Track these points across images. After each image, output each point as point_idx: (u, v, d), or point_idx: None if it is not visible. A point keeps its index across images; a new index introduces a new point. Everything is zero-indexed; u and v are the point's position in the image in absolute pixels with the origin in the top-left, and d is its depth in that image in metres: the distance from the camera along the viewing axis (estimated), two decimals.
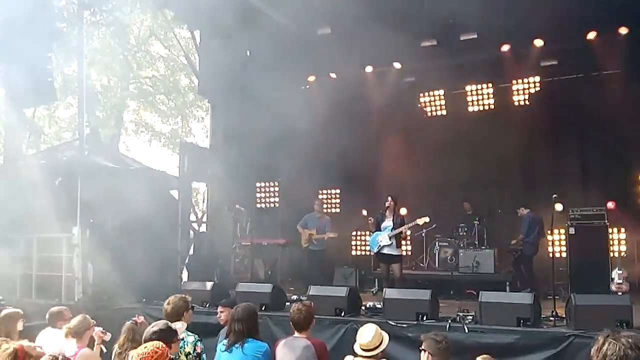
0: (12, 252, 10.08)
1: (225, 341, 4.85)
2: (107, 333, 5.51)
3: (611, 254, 9.51)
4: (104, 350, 5.45)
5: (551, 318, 6.90)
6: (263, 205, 13.63)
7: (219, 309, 6.13)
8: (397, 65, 12.28)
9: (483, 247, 10.80)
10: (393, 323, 6.90)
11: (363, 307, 7.97)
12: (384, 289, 8.01)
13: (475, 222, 11.19)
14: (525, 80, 11.77)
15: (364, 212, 11.94)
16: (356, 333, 4.62)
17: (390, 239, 9.32)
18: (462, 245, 11.05)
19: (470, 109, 12.22)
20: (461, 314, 7.00)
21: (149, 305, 8.74)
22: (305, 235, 10.91)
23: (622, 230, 10.25)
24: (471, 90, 12.21)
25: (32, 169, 10.71)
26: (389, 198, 9.64)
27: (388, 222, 9.47)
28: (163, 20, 17.72)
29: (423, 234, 11.47)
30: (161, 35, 21.64)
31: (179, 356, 4.67)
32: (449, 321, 6.88)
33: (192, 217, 12.55)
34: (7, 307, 6.09)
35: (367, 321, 5.96)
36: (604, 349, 2.67)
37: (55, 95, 11.16)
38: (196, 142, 21.87)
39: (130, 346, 4.71)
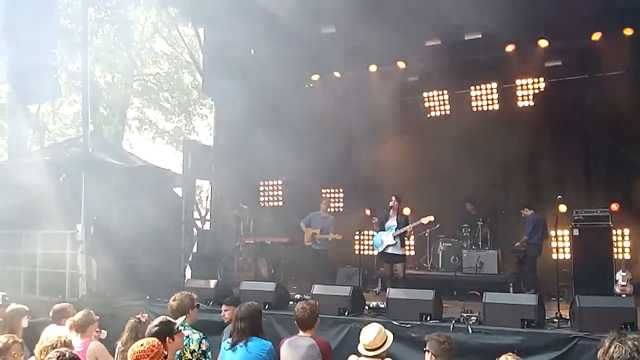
0: (16, 248, 10.12)
1: (229, 339, 4.85)
2: (102, 331, 5.55)
3: (615, 256, 9.49)
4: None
5: (555, 320, 6.91)
6: (267, 204, 13.62)
7: (223, 307, 6.14)
8: (401, 64, 12.25)
9: (487, 248, 10.79)
10: (397, 323, 6.91)
11: (366, 307, 7.97)
12: (388, 289, 8.01)
13: (479, 222, 11.16)
14: (530, 80, 11.70)
15: (367, 212, 11.93)
16: (359, 333, 4.62)
17: (394, 238, 9.35)
18: (465, 245, 11.03)
19: (474, 109, 12.18)
20: (465, 315, 7.00)
21: (153, 302, 8.77)
22: (308, 234, 10.91)
23: (626, 231, 10.22)
24: (475, 91, 12.17)
25: (36, 166, 10.74)
26: (393, 198, 9.68)
27: (392, 222, 9.51)
28: (167, 17, 17.72)
29: (427, 234, 11.46)
30: (165, 33, 21.64)
31: (184, 353, 4.68)
32: (453, 322, 6.89)
33: (196, 215, 12.58)
34: (12, 304, 6.10)
35: (371, 321, 5.96)
36: (610, 352, 2.67)
37: (59, 91, 11.19)
38: (199, 140, 21.97)
39: (134, 344, 4.73)
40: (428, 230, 11.34)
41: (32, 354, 4.41)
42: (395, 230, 9.36)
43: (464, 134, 11.77)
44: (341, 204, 13.41)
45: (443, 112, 12.57)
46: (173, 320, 4.27)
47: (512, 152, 11.35)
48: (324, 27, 11.58)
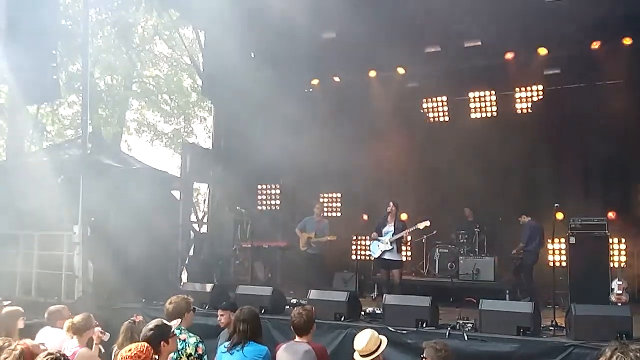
0: (13, 249, 10.10)
1: (226, 343, 4.86)
2: (106, 333, 5.52)
3: (611, 264, 9.49)
4: (102, 350, 5.47)
5: (551, 328, 6.91)
6: (264, 208, 13.62)
7: (219, 312, 6.15)
8: (401, 70, 12.29)
9: (483, 255, 10.80)
10: (392, 329, 6.89)
11: (363, 313, 7.97)
12: (384, 295, 8.00)
13: (476, 229, 11.18)
14: (528, 88, 11.75)
15: (365, 217, 11.96)
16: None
17: (391, 243, 9.37)
18: (462, 252, 11.04)
19: (472, 115, 12.21)
20: (461, 322, 7.00)
21: (149, 305, 8.75)
22: (303, 239, 10.91)
23: (623, 240, 10.23)
24: (474, 97, 12.19)
25: (34, 166, 10.73)
26: (391, 203, 9.73)
27: (389, 227, 9.55)
28: (168, 20, 17.73)
29: (423, 240, 11.47)
30: (165, 35, 21.67)
31: (181, 357, 4.68)
32: (449, 328, 6.89)
33: (193, 218, 12.55)
34: (8, 305, 6.08)
35: (367, 326, 5.97)
36: None
37: (59, 92, 11.15)
38: (198, 143, 21.95)
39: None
40: (425, 237, 11.35)
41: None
42: (392, 235, 9.38)
43: (463, 140, 11.80)
44: (339, 209, 13.41)
45: (442, 119, 12.62)
46: (168, 323, 4.26)
47: (509, 159, 11.38)
48: (325, 32, 11.61)
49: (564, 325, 6.94)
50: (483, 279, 10.25)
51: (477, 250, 11.05)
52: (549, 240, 9.88)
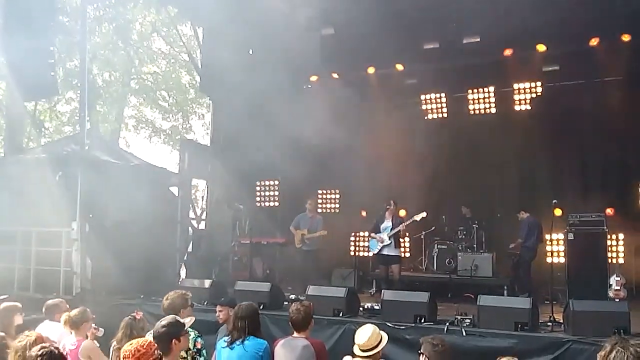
0: (11, 245, 10.09)
1: (226, 338, 4.88)
2: (100, 329, 5.54)
3: (609, 260, 9.52)
4: (97, 344, 5.47)
5: (549, 323, 6.92)
6: (263, 204, 13.61)
7: (218, 308, 6.15)
8: (399, 66, 12.27)
9: (482, 251, 10.82)
10: (391, 324, 6.90)
11: (361, 308, 7.98)
12: (383, 291, 8.02)
13: (474, 225, 11.20)
14: (527, 84, 11.74)
15: (364, 213, 11.96)
16: (354, 334, 4.63)
17: (389, 238, 9.41)
18: (460, 248, 11.07)
19: (471, 112, 12.20)
20: (459, 317, 7.01)
21: (147, 301, 8.75)
22: (298, 236, 10.91)
23: (621, 236, 10.25)
24: (473, 94, 12.19)
25: (32, 163, 10.72)
26: (391, 202, 9.75)
27: (387, 223, 9.61)
28: (166, 16, 17.71)
29: (422, 237, 11.49)
30: (163, 32, 21.64)
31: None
32: (447, 324, 6.90)
33: (192, 214, 12.55)
34: (5, 300, 6.08)
35: (365, 322, 5.95)
36: (611, 356, 2.66)
37: (57, 89, 11.15)
38: (196, 139, 21.95)
39: (128, 341, 4.72)
40: (423, 233, 11.38)
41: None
42: (390, 230, 9.42)
43: (461, 137, 11.81)
44: (337, 205, 13.42)
45: (440, 115, 12.60)
46: (181, 321, 4.25)
47: (508, 156, 11.39)
48: (323, 29, 11.59)
49: (561, 320, 6.94)
50: (481, 275, 10.28)
51: (475, 246, 11.07)
52: (547, 236, 9.89)
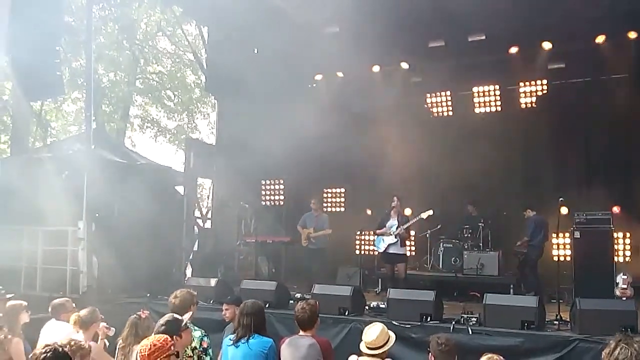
0: (18, 244, 10.13)
1: (231, 336, 4.88)
2: (111, 328, 5.55)
3: (616, 259, 9.48)
4: (107, 344, 5.50)
5: (555, 322, 6.91)
6: (268, 203, 13.63)
7: (224, 306, 6.15)
8: (404, 65, 12.25)
9: (487, 249, 10.79)
10: (397, 323, 6.91)
11: (367, 307, 7.98)
12: (388, 289, 8.01)
13: (480, 223, 11.17)
14: (533, 82, 11.68)
15: (369, 212, 11.94)
16: (360, 332, 4.64)
17: (395, 236, 9.40)
18: (466, 246, 11.04)
19: (476, 110, 12.17)
20: (465, 316, 7.00)
21: (153, 300, 8.79)
22: (304, 235, 10.92)
23: (627, 235, 10.21)
24: (478, 92, 12.14)
25: (38, 162, 10.76)
26: (395, 198, 9.74)
27: (393, 221, 9.59)
28: (171, 16, 17.74)
29: (428, 235, 11.46)
30: (168, 32, 21.67)
31: (185, 350, 4.68)
32: (453, 322, 6.89)
33: (197, 213, 12.58)
34: (11, 299, 6.11)
35: (371, 321, 5.96)
36: (615, 353, 2.66)
37: (63, 88, 11.20)
38: (202, 139, 22.00)
39: (134, 340, 4.75)
40: (429, 231, 11.35)
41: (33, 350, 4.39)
42: (396, 228, 9.41)
43: (467, 135, 11.76)
44: (343, 204, 13.42)
45: (446, 113, 12.57)
46: (179, 318, 4.26)
47: (514, 154, 11.36)
48: (328, 27, 11.58)
49: (568, 319, 6.92)
50: (487, 274, 10.25)
51: (481, 244, 11.03)
52: (554, 235, 9.86)
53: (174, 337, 3.98)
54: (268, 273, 11.54)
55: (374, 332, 4.47)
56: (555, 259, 9.48)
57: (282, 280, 9.60)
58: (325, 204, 12.95)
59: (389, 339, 4.51)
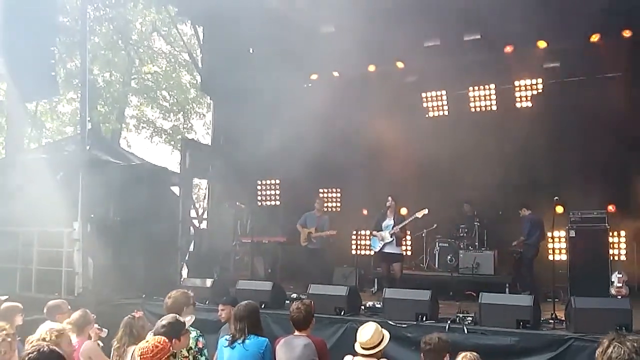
0: (13, 245, 10.11)
1: (227, 337, 4.88)
2: (104, 329, 5.55)
3: (611, 258, 9.50)
4: (101, 344, 5.49)
5: (551, 321, 6.93)
6: (264, 203, 13.62)
7: (220, 306, 6.15)
8: (400, 64, 12.25)
9: (483, 249, 10.80)
10: (392, 323, 6.91)
11: (363, 307, 7.98)
12: (384, 289, 8.02)
13: (476, 223, 11.18)
14: (528, 81, 11.70)
15: (365, 212, 11.94)
16: (356, 332, 4.63)
17: (391, 236, 9.41)
18: (462, 246, 11.04)
19: (472, 109, 12.18)
20: (461, 315, 7.02)
21: (149, 301, 8.76)
22: (304, 234, 10.90)
23: (622, 233, 10.23)
24: (474, 91, 12.16)
25: (33, 163, 10.73)
26: (390, 198, 9.74)
27: (389, 221, 9.60)
28: (166, 16, 17.70)
29: (423, 235, 11.46)
30: (164, 32, 21.63)
31: (181, 351, 4.68)
32: (449, 322, 6.90)
33: (193, 214, 12.56)
34: (6, 301, 6.09)
35: (367, 320, 5.95)
36: (608, 352, 2.65)
37: (57, 89, 11.18)
38: (197, 139, 21.95)
39: (128, 341, 4.74)
40: (425, 231, 11.36)
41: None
42: (392, 228, 9.41)
43: (462, 134, 11.77)
44: (338, 204, 13.41)
45: (441, 113, 12.57)
46: (182, 321, 4.25)
47: (509, 153, 11.35)
48: (323, 27, 11.57)
49: (563, 318, 6.95)
50: (483, 273, 10.26)
51: (477, 244, 11.05)
52: (549, 234, 9.87)
53: (173, 339, 3.97)
54: (264, 273, 11.53)
55: (367, 332, 4.47)
56: (551, 257, 9.50)
57: (278, 281, 9.59)
58: None
59: (383, 337, 4.51)
